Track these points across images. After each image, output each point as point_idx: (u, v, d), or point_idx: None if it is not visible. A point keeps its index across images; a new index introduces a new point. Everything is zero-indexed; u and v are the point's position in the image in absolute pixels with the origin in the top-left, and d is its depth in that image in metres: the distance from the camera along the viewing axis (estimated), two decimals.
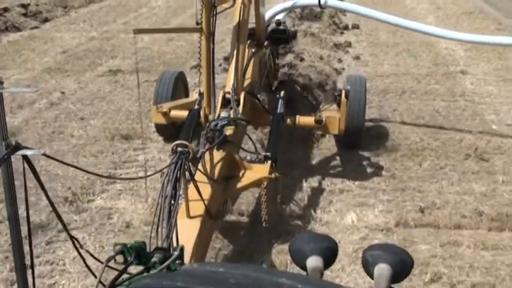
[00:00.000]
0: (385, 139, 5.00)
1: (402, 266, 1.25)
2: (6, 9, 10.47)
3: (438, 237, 3.54)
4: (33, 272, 1.60)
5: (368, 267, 1.25)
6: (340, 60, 7.50)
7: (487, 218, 3.69)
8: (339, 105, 4.30)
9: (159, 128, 4.85)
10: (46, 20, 10.46)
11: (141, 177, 3.61)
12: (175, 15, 10.58)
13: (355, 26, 9.40)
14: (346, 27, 9.43)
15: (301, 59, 6.91)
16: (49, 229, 3.63)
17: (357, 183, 4.26)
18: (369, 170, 4.47)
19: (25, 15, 10.47)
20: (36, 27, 9.90)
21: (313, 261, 1.26)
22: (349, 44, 8.35)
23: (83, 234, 3.58)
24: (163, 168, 2.53)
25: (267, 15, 5.52)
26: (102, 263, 1.43)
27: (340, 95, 4.27)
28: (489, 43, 5.73)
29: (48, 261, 3.33)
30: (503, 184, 4.17)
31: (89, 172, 2.39)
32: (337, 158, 4.71)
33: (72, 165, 1.92)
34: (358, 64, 7.46)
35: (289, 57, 6.97)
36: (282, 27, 5.57)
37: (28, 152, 1.46)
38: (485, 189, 4.10)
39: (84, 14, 11.16)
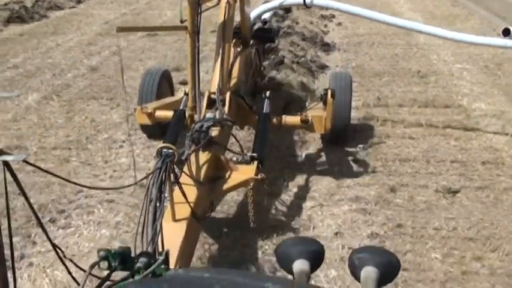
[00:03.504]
0: (358, 68, 7.20)
1: (389, 268, 1.23)
2: None
3: (388, 111, 5.74)
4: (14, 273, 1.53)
5: (355, 270, 1.23)
6: (325, 26, 9.71)
7: (419, 101, 5.92)
8: (325, 104, 4.27)
9: (144, 128, 4.91)
10: (80, 2, 12.55)
11: (128, 186, 3.42)
12: None
13: None
14: None
15: (297, 23, 9.09)
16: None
17: None
18: None
19: None
20: (74, 7, 11.97)
21: (300, 265, 1.24)
22: (333, 16, 10.52)
23: None
24: (149, 174, 2.48)
25: (253, 14, 5.59)
26: (85, 271, 1.42)
27: (326, 94, 4.22)
28: (474, 43, 5.45)
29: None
30: (433, 88, 6.40)
31: (68, 181, 2.09)
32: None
33: (49, 172, 1.86)
34: (340, 28, 9.67)
35: (287, 22, 9.14)
36: (267, 26, 5.77)
37: (9, 158, 1.39)
38: (420, 89, 6.32)
39: None
